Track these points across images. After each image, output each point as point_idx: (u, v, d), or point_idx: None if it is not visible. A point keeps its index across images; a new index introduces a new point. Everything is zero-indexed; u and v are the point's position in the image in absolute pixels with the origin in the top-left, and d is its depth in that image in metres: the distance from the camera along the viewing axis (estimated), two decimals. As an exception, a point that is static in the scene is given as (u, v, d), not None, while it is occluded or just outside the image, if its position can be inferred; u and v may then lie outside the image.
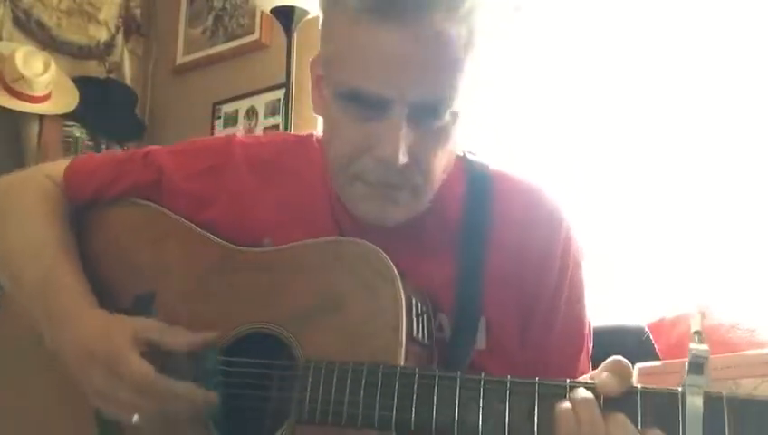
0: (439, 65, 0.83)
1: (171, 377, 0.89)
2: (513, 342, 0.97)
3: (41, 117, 2.64)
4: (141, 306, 1.02)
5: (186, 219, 1.06)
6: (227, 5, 3.02)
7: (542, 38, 2.23)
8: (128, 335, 0.91)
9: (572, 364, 1.00)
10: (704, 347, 0.71)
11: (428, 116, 0.86)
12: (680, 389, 0.72)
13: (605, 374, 0.74)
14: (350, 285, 0.89)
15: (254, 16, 2.89)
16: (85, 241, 1.09)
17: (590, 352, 1.02)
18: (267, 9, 2.45)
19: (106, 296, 1.01)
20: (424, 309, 0.90)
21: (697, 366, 0.71)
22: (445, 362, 0.92)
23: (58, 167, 1.14)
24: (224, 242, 1.02)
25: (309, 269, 0.93)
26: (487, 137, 2.29)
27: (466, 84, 0.87)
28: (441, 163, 0.91)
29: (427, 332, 0.90)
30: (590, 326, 1.04)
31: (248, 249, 1.00)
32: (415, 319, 0.87)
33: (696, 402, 0.70)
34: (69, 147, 2.74)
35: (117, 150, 1.22)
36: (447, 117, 0.87)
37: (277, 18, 2.45)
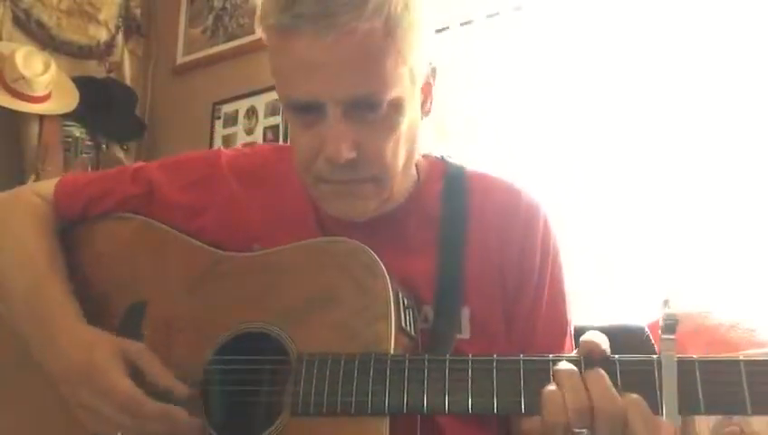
0: (358, 62, 0.87)
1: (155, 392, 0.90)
2: (498, 330, 1.00)
3: (41, 117, 2.64)
4: (133, 316, 1.03)
5: (177, 229, 1.08)
6: (227, 5, 3.02)
7: (543, 38, 2.23)
8: (113, 352, 0.92)
9: (558, 348, 1.02)
10: (674, 312, 0.78)
11: (364, 110, 0.90)
12: (656, 356, 0.78)
13: (587, 338, 0.81)
14: (339, 281, 0.92)
15: (254, 16, 2.86)
16: (74, 256, 1.11)
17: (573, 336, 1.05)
18: (267, 9, 2.45)
19: (97, 310, 1.02)
20: (410, 303, 0.94)
21: (670, 327, 0.77)
22: (429, 350, 0.94)
23: (47, 184, 1.17)
24: (214, 249, 1.04)
25: (299, 269, 0.96)
26: (487, 137, 2.28)
27: (404, 71, 0.91)
28: (396, 151, 0.94)
29: (414, 324, 0.93)
30: (570, 317, 1.07)
31: (239, 254, 1.02)
32: (403, 312, 0.90)
33: (671, 363, 0.76)
34: (69, 147, 2.74)
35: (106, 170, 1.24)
36: (385, 107, 0.90)
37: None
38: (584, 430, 0.75)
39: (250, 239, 1.04)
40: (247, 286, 0.98)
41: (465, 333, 0.98)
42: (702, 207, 1.91)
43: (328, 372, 0.86)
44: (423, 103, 0.99)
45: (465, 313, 0.99)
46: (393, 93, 0.90)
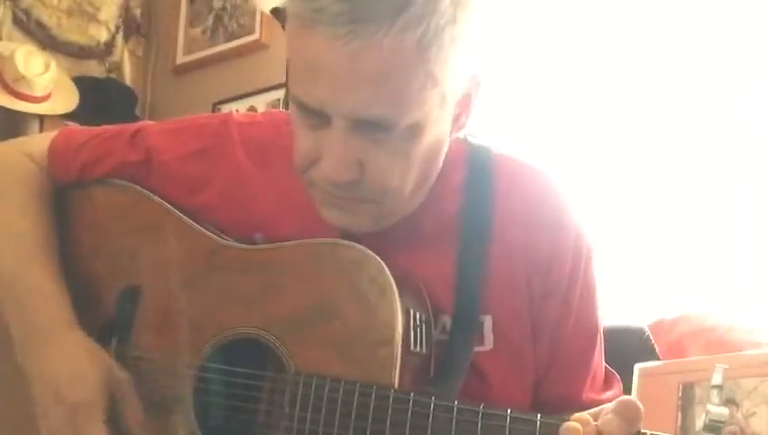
0: (377, 81, 0.75)
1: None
2: (523, 340, 0.92)
3: (41, 117, 2.64)
4: (126, 304, 0.98)
5: (175, 205, 1.00)
6: (227, 5, 3.02)
7: (542, 38, 2.23)
8: (101, 385, 0.89)
9: (585, 362, 0.97)
10: (723, 410, 0.67)
11: (375, 130, 0.78)
12: None
13: (610, 416, 0.69)
14: (344, 294, 0.85)
15: (254, 16, 2.89)
16: (68, 222, 1.05)
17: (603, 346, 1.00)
18: (267, 9, 2.45)
19: (89, 290, 0.99)
20: (423, 317, 0.87)
21: (714, 429, 0.67)
22: (442, 364, 0.88)
23: (40, 143, 1.07)
24: (214, 235, 0.97)
25: (302, 273, 0.89)
26: (485, 136, 2.28)
27: (433, 94, 0.78)
28: (405, 176, 0.83)
29: (426, 340, 0.86)
30: (600, 321, 1.00)
31: (239, 245, 0.95)
32: (413, 331, 0.84)
33: None
34: (69, 147, 2.74)
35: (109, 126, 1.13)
36: (400, 130, 0.78)
37: (277, 18, 2.45)
38: None
39: (253, 225, 0.96)
40: (246, 285, 0.92)
41: (488, 344, 0.90)
42: (701, 207, 1.91)
43: (325, 400, 0.81)
44: (457, 117, 0.87)
45: (488, 321, 0.90)
46: (412, 118, 0.78)
